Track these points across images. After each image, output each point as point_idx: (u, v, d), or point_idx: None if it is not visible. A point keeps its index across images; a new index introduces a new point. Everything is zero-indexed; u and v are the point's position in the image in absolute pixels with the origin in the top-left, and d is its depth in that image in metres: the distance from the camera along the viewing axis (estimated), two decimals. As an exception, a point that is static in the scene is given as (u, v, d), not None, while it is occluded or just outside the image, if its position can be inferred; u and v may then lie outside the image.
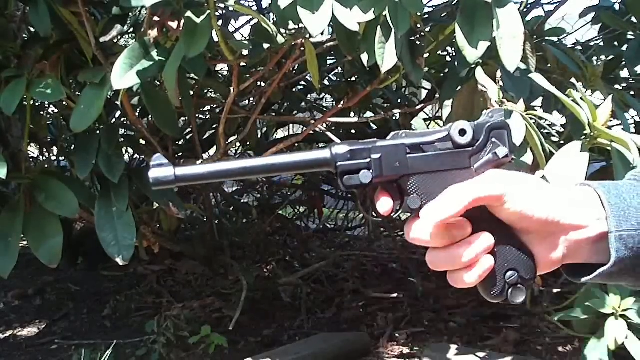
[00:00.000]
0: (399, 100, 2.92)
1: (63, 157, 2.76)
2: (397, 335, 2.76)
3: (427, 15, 2.00)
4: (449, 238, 0.61)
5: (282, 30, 1.49)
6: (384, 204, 0.64)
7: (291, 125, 3.83)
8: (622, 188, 0.63)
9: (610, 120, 2.08)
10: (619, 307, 1.73)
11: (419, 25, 1.51)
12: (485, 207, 0.62)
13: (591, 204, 0.62)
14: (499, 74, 1.44)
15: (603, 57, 2.27)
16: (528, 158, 1.35)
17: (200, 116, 3.17)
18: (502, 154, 0.63)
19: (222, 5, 1.45)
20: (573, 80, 1.74)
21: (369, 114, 2.92)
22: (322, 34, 1.57)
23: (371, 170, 0.63)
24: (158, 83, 1.98)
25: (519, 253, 0.62)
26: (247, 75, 2.09)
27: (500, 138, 0.63)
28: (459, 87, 1.65)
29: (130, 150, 2.96)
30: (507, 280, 0.62)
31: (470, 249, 0.61)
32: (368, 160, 0.63)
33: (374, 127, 3.51)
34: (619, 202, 0.61)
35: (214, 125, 2.91)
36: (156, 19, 1.52)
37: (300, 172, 0.69)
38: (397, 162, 0.63)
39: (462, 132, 0.63)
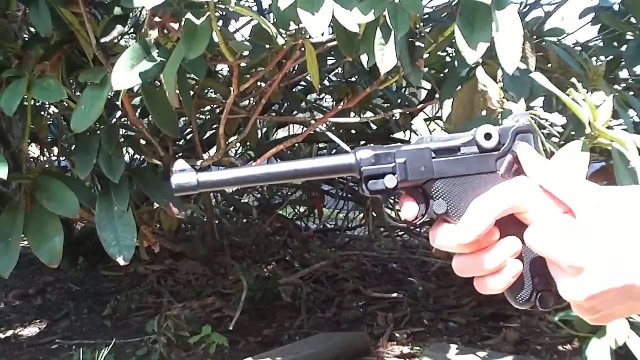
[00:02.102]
0: (399, 100, 2.93)
1: (64, 157, 2.76)
2: (397, 335, 2.76)
3: (426, 16, 2.00)
4: (476, 244, 0.60)
5: (282, 31, 1.49)
6: (409, 209, 0.63)
7: (291, 125, 3.83)
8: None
9: (610, 120, 2.08)
10: (620, 307, 1.73)
11: (418, 27, 1.51)
12: (512, 213, 0.60)
13: None
14: (499, 73, 1.44)
15: (602, 57, 2.27)
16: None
17: (201, 116, 3.17)
18: None
19: (222, 6, 1.45)
20: (573, 79, 1.74)
21: (369, 114, 2.92)
22: (322, 34, 1.57)
23: (396, 175, 0.63)
24: (158, 83, 1.99)
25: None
26: (247, 76, 2.09)
27: (527, 141, 0.63)
28: (459, 87, 1.65)
29: (130, 150, 2.96)
30: (536, 286, 0.61)
31: (498, 254, 0.60)
32: (393, 164, 0.63)
33: (374, 127, 3.52)
34: None
35: (214, 126, 2.91)
36: (157, 19, 1.53)
37: (325, 177, 0.69)
38: (423, 167, 0.63)
39: (488, 136, 0.63)
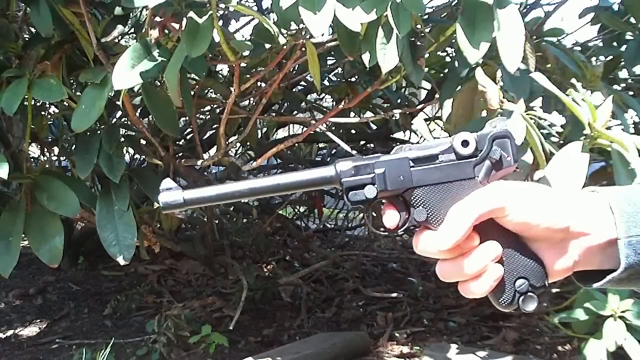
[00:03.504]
0: (399, 101, 2.93)
1: (64, 157, 2.76)
2: (397, 334, 2.76)
3: (427, 16, 2.00)
4: (457, 250, 0.61)
5: (283, 31, 1.49)
6: (391, 218, 0.65)
7: (291, 125, 3.83)
8: (631, 193, 0.62)
9: (609, 120, 2.08)
10: (618, 309, 1.74)
11: (419, 26, 1.51)
12: (491, 218, 0.62)
13: (600, 209, 0.61)
14: (499, 74, 1.44)
15: (602, 58, 2.27)
16: (528, 158, 1.35)
17: (201, 116, 3.17)
18: (497, 157, 0.64)
19: (223, 6, 1.45)
20: (573, 80, 1.75)
21: (369, 114, 2.93)
22: (323, 34, 1.57)
23: (376, 185, 0.64)
24: (159, 83, 1.99)
25: (528, 261, 0.62)
26: (248, 76, 2.10)
27: (504, 147, 0.64)
28: (459, 87, 1.66)
29: (131, 150, 2.96)
30: (517, 289, 0.62)
31: (478, 259, 0.61)
32: (372, 175, 0.64)
33: (374, 127, 3.52)
34: (627, 208, 0.60)
35: (215, 126, 2.92)
36: (157, 19, 1.53)
37: (306, 190, 0.71)
38: (401, 176, 0.64)
39: (465, 143, 0.64)
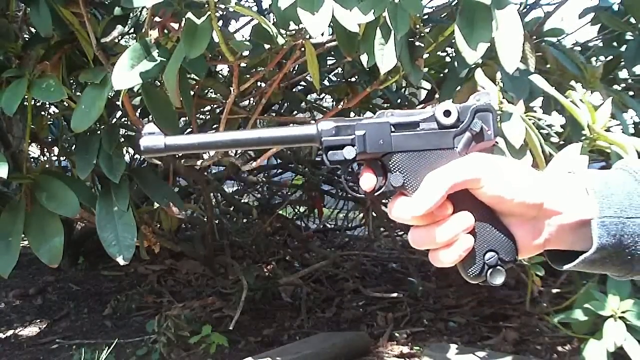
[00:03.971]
0: (399, 101, 2.93)
1: (64, 157, 2.76)
2: (397, 334, 2.77)
3: (426, 16, 2.00)
4: (430, 217, 0.62)
5: (282, 31, 1.49)
6: (367, 181, 0.65)
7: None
8: (607, 176, 0.63)
9: (609, 121, 2.09)
10: (618, 309, 1.73)
11: (418, 27, 1.51)
12: (466, 189, 0.62)
13: (575, 190, 0.62)
14: (498, 75, 1.44)
15: (602, 58, 2.27)
16: (527, 159, 1.35)
17: (201, 116, 3.17)
18: (478, 129, 0.64)
19: (222, 6, 1.45)
20: (572, 82, 1.75)
21: (368, 114, 2.92)
22: (322, 34, 1.57)
23: (355, 147, 0.65)
24: (158, 83, 1.99)
25: (499, 235, 0.62)
26: (247, 76, 2.10)
27: (485, 120, 0.64)
28: (459, 87, 1.66)
29: (130, 150, 2.96)
30: (487, 261, 0.63)
31: (450, 227, 0.61)
32: (352, 136, 0.65)
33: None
34: (602, 189, 0.61)
35: (215, 126, 2.91)
36: (157, 19, 1.53)
37: (287, 146, 0.72)
38: (381, 140, 0.64)
39: (447, 113, 0.64)
